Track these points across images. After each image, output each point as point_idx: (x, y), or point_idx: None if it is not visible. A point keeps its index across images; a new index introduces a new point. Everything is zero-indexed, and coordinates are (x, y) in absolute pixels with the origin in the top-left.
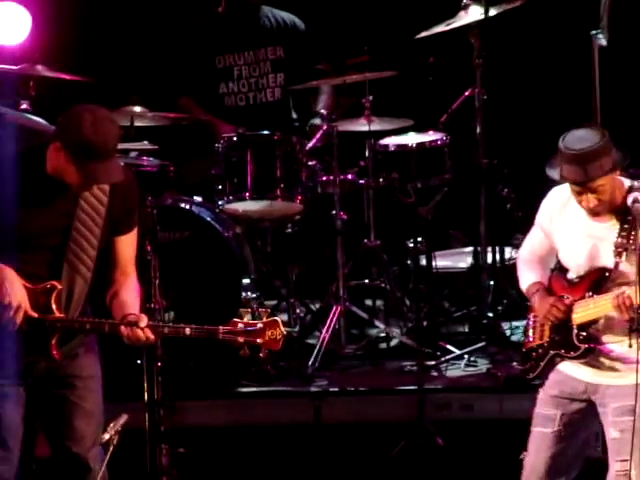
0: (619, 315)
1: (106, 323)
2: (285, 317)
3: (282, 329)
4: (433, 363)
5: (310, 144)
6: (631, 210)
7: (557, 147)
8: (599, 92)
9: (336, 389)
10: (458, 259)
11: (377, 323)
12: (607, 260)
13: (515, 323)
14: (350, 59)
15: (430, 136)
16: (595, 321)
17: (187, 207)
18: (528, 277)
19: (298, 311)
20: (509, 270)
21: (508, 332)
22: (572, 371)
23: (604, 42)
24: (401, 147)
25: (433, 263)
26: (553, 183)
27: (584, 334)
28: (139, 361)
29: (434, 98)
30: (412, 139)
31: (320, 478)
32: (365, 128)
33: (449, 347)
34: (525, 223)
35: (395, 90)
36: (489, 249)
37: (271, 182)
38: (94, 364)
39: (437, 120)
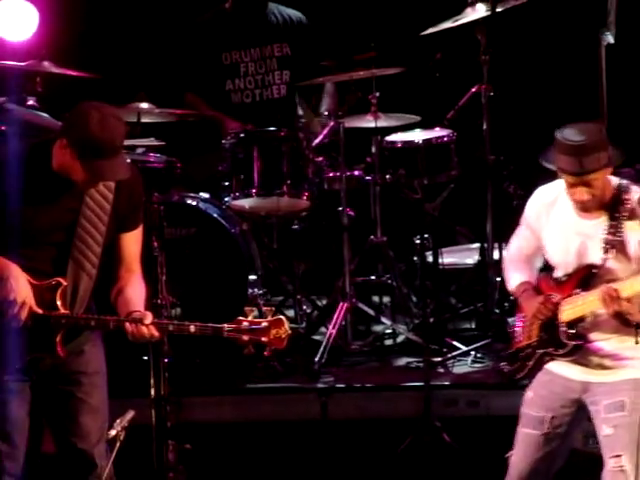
0: (606, 308)
1: (111, 320)
2: (291, 313)
3: (287, 328)
4: (439, 359)
5: (317, 140)
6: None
7: (554, 138)
8: (606, 89)
9: (343, 385)
10: (465, 255)
11: (383, 319)
12: (595, 257)
13: None
14: (357, 55)
15: (437, 133)
16: (583, 318)
17: (194, 203)
18: (515, 277)
19: (304, 307)
20: None
21: None
22: (562, 370)
23: (611, 39)
24: (408, 143)
25: (439, 259)
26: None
27: (572, 331)
28: (146, 357)
29: (441, 95)
30: (419, 136)
31: (326, 474)
32: (372, 124)
33: (455, 343)
34: None
35: (402, 86)
36: (496, 245)
37: (278, 178)
38: (99, 360)
39: (444, 117)
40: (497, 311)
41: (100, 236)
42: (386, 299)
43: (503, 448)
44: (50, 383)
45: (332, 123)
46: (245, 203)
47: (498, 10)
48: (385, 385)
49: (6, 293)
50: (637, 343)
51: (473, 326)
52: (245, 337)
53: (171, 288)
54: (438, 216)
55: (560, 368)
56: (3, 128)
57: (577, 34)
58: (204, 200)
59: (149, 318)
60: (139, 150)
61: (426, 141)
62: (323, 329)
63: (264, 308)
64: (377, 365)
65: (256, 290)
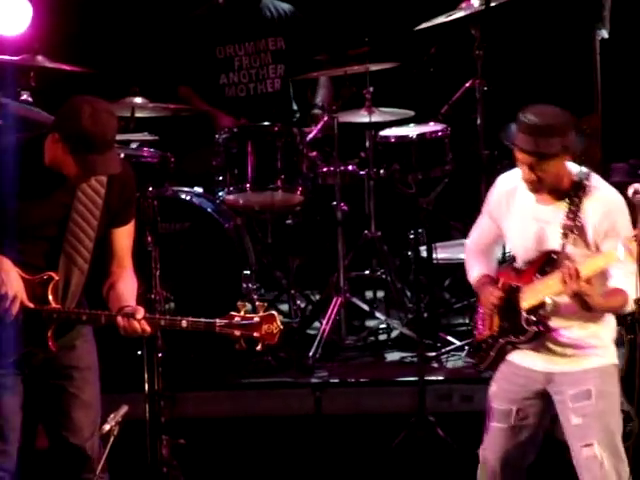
0: (566, 289)
1: (103, 314)
2: (285, 308)
3: (279, 323)
4: (434, 354)
5: (311, 135)
6: (632, 201)
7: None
8: (600, 84)
9: (337, 380)
10: (459, 250)
11: (377, 314)
12: (554, 243)
13: None
14: (351, 50)
15: (431, 127)
16: (543, 304)
17: (187, 198)
18: (475, 270)
19: (298, 302)
20: None
21: None
22: (525, 362)
23: (605, 34)
24: (402, 138)
25: (434, 254)
26: None
27: (533, 317)
28: (140, 352)
29: (435, 89)
30: (413, 130)
31: (320, 469)
32: (366, 119)
33: (450, 338)
34: None
35: (396, 81)
36: None
37: (272, 173)
38: (91, 355)
39: (438, 111)
40: None
41: (92, 231)
42: (380, 294)
43: None
44: (42, 378)
45: (326, 118)
46: (239, 198)
47: (492, 5)
48: (379, 380)
49: None
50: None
51: (467, 321)
52: (237, 332)
53: (165, 283)
54: (432, 211)
55: (523, 359)
56: None
57: (571, 29)
58: (198, 195)
59: (141, 313)
60: (133, 145)
61: (420, 136)
62: (317, 324)
63: (257, 303)
64: (371, 360)
65: (250, 285)
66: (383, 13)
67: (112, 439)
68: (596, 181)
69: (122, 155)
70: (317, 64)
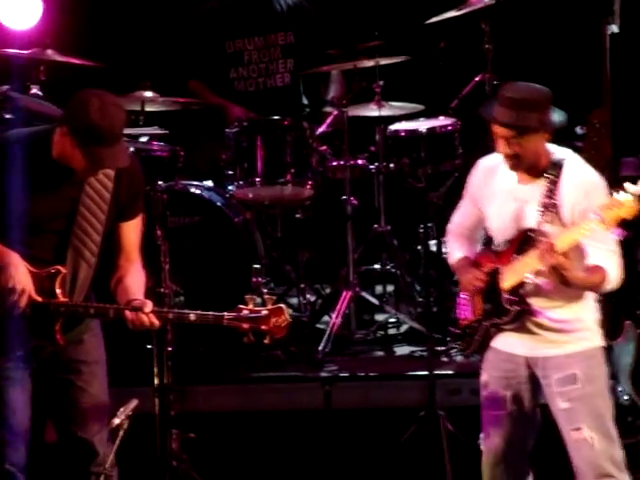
0: (543, 264)
1: (111, 308)
2: (295, 302)
3: (287, 316)
4: (443, 348)
5: (320, 129)
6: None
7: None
8: (610, 78)
9: (346, 374)
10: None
11: (387, 308)
12: (532, 221)
13: None
14: (361, 44)
15: (441, 121)
16: (523, 283)
17: (197, 192)
18: (455, 253)
19: (308, 296)
20: None
21: None
22: (511, 348)
23: (615, 28)
24: (412, 132)
25: (443, 248)
26: None
27: (514, 297)
28: (149, 346)
29: (445, 83)
30: (423, 124)
31: (330, 463)
32: (375, 113)
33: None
34: None
35: (406, 75)
36: None
37: (281, 167)
38: (99, 349)
39: (448, 105)
40: None
41: (100, 225)
42: (390, 288)
43: None
44: (50, 371)
45: (336, 112)
46: (249, 192)
47: None
48: (389, 374)
49: (5, 281)
50: None
51: None
52: (245, 325)
53: (174, 277)
54: (442, 205)
55: (508, 346)
56: (7, 116)
57: (581, 23)
58: (208, 189)
59: (149, 306)
60: (143, 139)
61: (430, 130)
62: (327, 318)
63: (266, 296)
64: (381, 354)
65: (259, 279)
66: (393, 7)
67: (122, 433)
68: (574, 160)
69: (132, 149)
70: (327, 58)
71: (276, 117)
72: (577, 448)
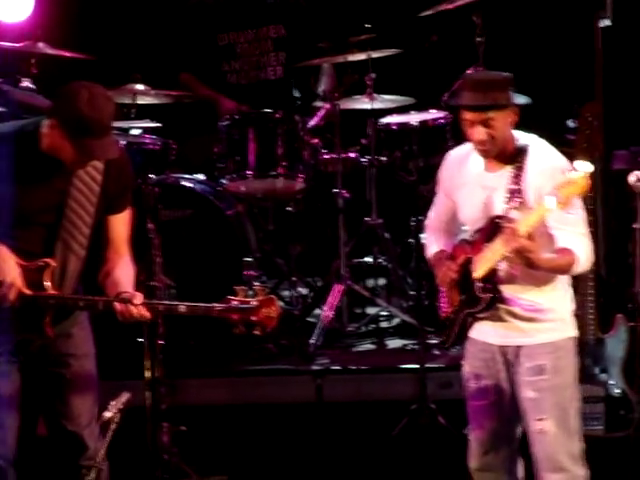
0: (508, 248)
1: (100, 300)
2: (287, 295)
3: (278, 307)
4: (435, 342)
5: (312, 122)
6: (633, 189)
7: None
8: (602, 71)
9: (338, 367)
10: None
11: (379, 302)
12: (500, 209)
13: None
14: (352, 37)
15: (432, 114)
16: (494, 270)
17: (189, 185)
18: (431, 247)
19: (300, 289)
20: None
21: None
22: (485, 336)
23: (608, 22)
24: (403, 125)
25: None
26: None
27: (486, 285)
28: (140, 339)
29: (436, 76)
30: (414, 117)
31: (322, 456)
32: (367, 106)
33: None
34: None
35: (397, 68)
36: None
37: (273, 160)
38: (88, 343)
39: (439, 98)
40: None
41: (89, 217)
42: (381, 281)
43: None
44: (39, 365)
45: (328, 105)
46: (241, 185)
47: None
48: (380, 367)
49: None
50: None
51: None
52: (235, 316)
53: (167, 270)
54: (434, 198)
55: (483, 335)
56: None
57: (573, 16)
58: (200, 182)
59: (139, 298)
60: (135, 132)
61: (422, 123)
62: (318, 311)
63: (256, 287)
64: (372, 347)
65: (251, 272)
66: (385, 0)
67: (113, 426)
68: (539, 145)
69: (124, 142)
70: (318, 51)
71: (268, 110)
72: (537, 438)
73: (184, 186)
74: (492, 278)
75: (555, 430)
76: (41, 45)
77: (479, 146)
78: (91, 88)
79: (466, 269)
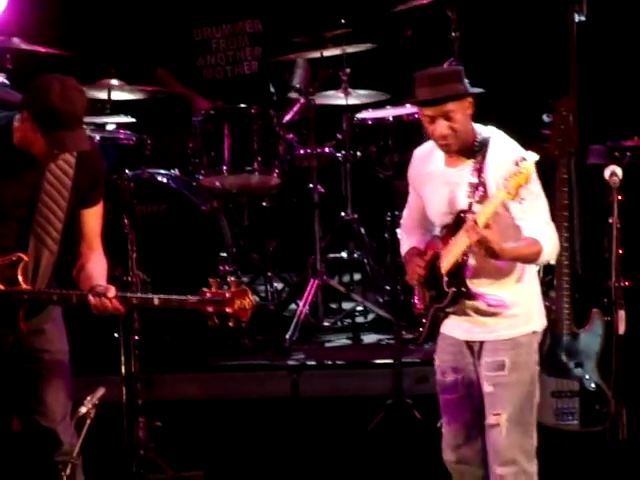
0: (470, 240)
1: (74, 294)
2: (262, 290)
3: (251, 298)
4: (410, 337)
5: (287, 117)
6: (609, 183)
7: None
8: (577, 66)
9: (314, 362)
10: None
11: (354, 297)
12: (464, 203)
13: None
14: (327, 32)
15: (407, 109)
16: (461, 266)
17: (164, 180)
18: (404, 245)
19: (275, 284)
20: None
21: None
22: (452, 331)
23: (582, 17)
24: (378, 120)
25: None
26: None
27: (452, 279)
28: (116, 334)
29: (411, 71)
30: (389, 112)
31: (297, 451)
32: (342, 101)
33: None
34: None
35: (372, 63)
36: None
37: (248, 155)
38: (61, 338)
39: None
40: None
41: (61, 211)
42: (357, 276)
43: None
44: (13, 361)
45: (302, 100)
46: (216, 180)
47: None
48: (356, 362)
49: None
50: None
51: None
52: (209, 308)
53: (142, 265)
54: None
55: (447, 329)
56: None
57: (548, 11)
58: (175, 177)
59: (112, 291)
60: (109, 127)
61: (397, 118)
62: (294, 306)
63: (229, 279)
64: (348, 342)
65: (227, 267)
66: None
67: (89, 422)
68: (499, 137)
69: (98, 137)
70: (294, 46)
71: (243, 105)
72: (491, 432)
73: (159, 181)
74: (458, 272)
75: (508, 425)
76: (16, 40)
77: (441, 141)
78: (63, 80)
79: (434, 265)
